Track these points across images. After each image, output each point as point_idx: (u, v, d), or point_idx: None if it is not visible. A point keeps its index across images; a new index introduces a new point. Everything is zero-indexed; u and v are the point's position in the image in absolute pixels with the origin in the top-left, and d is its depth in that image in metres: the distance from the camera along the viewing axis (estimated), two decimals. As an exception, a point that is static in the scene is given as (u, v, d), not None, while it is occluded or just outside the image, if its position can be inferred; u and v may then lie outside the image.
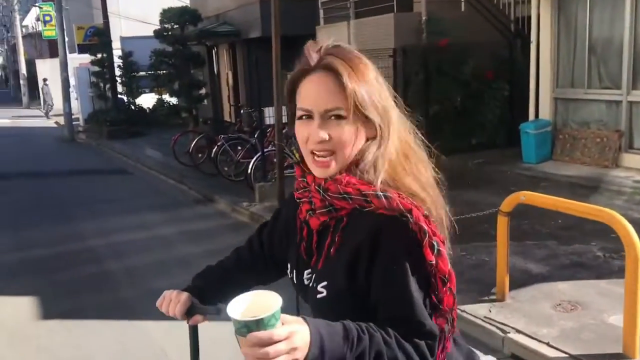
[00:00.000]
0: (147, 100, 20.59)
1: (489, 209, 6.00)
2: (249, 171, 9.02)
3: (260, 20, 13.48)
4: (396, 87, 9.67)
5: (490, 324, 4.08)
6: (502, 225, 4.26)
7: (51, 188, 11.07)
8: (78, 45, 21.91)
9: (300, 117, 1.33)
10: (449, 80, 9.95)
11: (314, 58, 1.30)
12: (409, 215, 1.23)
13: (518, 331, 3.94)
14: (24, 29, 39.20)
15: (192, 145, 11.27)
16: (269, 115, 9.85)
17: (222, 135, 10.76)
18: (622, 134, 8.38)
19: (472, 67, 10.01)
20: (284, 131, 7.82)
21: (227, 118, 17.52)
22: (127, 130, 17.72)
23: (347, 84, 1.26)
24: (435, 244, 1.24)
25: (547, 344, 3.74)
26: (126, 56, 20.19)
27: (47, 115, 27.56)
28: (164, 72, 16.56)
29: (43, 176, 12.36)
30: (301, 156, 1.38)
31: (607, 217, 3.59)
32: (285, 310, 1.10)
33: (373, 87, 1.30)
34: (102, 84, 20.02)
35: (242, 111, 13.61)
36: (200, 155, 11.39)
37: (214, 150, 10.43)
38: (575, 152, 8.88)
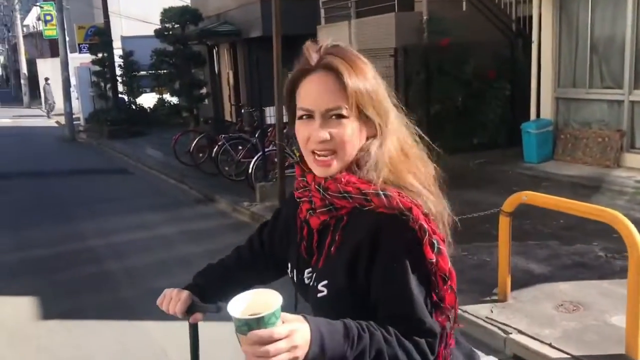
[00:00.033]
0: (147, 100, 20.60)
1: (490, 209, 5.98)
2: (250, 171, 9.01)
3: (261, 19, 13.48)
4: (397, 86, 9.67)
5: (492, 324, 4.06)
6: (504, 225, 4.24)
7: (52, 188, 11.06)
8: (79, 44, 21.91)
9: (301, 117, 1.33)
10: (450, 79, 9.94)
11: (313, 58, 1.31)
12: (409, 213, 1.24)
13: (520, 332, 3.92)
14: (24, 29, 39.24)
15: (193, 144, 11.26)
16: (270, 114, 9.85)
17: (223, 135, 10.75)
18: (624, 134, 8.36)
19: (474, 67, 10.00)
20: (284, 131, 7.80)
21: (228, 117, 17.52)
22: (128, 130, 17.71)
23: (348, 83, 1.27)
24: (435, 242, 1.24)
25: (550, 345, 3.72)
26: (127, 56, 20.20)
27: (48, 114, 27.59)
28: (165, 71, 16.57)
29: (44, 176, 12.35)
30: (301, 155, 1.38)
31: (609, 218, 3.58)
32: (284, 308, 1.10)
33: (373, 86, 1.31)
34: (102, 84, 20.02)
35: (243, 111, 13.62)
36: (201, 154, 11.38)
37: (214, 149, 10.43)
38: (577, 152, 8.86)
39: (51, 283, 5.83)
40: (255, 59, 9.47)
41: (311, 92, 1.30)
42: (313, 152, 1.33)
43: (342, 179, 1.29)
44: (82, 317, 4.94)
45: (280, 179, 7.79)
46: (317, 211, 1.35)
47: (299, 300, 1.47)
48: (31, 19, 41.95)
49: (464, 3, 11.02)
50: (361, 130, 1.32)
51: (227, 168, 10.26)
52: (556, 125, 9.27)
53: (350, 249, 1.30)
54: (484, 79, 10.19)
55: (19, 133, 21.33)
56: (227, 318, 1.13)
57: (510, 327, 3.99)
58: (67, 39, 19.86)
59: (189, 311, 1.52)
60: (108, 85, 19.65)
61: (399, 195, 1.26)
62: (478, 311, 4.22)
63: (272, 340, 1.07)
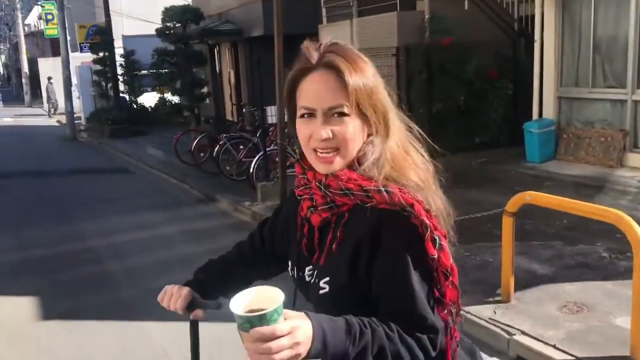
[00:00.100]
0: (149, 99, 20.60)
1: (492, 209, 5.95)
2: (251, 170, 8.99)
3: (263, 18, 13.46)
4: (399, 85, 9.66)
5: (495, 325, 4.03)
6: (508, 225, 4.21)
7: (53, 187, 11.05)
8: (80, 43, 21.90)
9: (302, 116, 1.33)
10: (452, 79, 9.92)
11: (314, 56, 1.31)
12: (410, 209, 1.24)
13: (524, 333, 3.89)
14: (26, 28, 39.32)
15: (194, 144, 11.25)
16: (271, 114, 9.83)
17: (224, 134, 10.74)
18: (627, 134, 8.33)
19: (476, 66, 9.98)
20: (286, 130, 7.77)
21: (229, 117, 17.50)
22: (129, 129, 17.71)
23: (349, 81, 1.27)
24: (437, 237, 1.24)
25: (554, 346, 3.69)
26: (128, 55, 20.20)
27: (50, 113, 27.62)
28: (166, 70, 16.53)
29: (45, 175, 12.35)
30: (301, 153, 1.40)
31: (613, 218, 3.55)
32: (284, 305, 1.10)
33: (373, 84, 1.32)
34: (104, 83, 20.02)
35: (244, 110, 13.61)
36: (202, 154, 11.36)
37: (216, 149, 10.42)
38: (580, 152, 8.83)
39: (51, 283, 5.81)
40: (257, 58, 9.45)
41: (312, 91, 1.31)
42: (315, 150, 1.33)
43: (344, 176, 1.30)
44: (83, 318, 4.91)
45: (281, 178, 7.77)
46: (319, 208, 1.35)
47: (298, 296, 1.47)
48: (32, 18, 42.01)
49: (466, 2, 10.99)
50: (362, 128, 1.32)
51: (228, 167, 10.24)
52: (558, 124, 9.23)
53: (351, 245, 1.30)
54: (486, 78, 10.16)
55: (20, 132, 21.34)
56: (228, 316, 1.12)
57: (514, 328, 3.96)
58: (69, 38, 19.87)
59: (190, 308, 1.52)
60: (109, 85, 19.66)
61: (401, 192, 1.26)
62: (481, 312, 4.19)
63: (274, 337, 1.07)
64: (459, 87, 10.01)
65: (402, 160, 1.34)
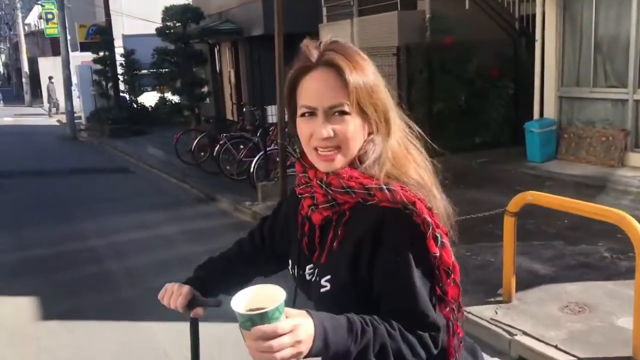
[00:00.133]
0: (149, 99, 20.60)
1: (493, 209, 5.92)
2: (252, 170, 8.97)
3: (263, 18, 13.45)
4: (400, 85, 9.64)
5: (497, 325, 4.01)
6: (509, 225, 4.20)
7: (53, 187, 11.03)
8: (80, 43, 21.90)
9: (303, 114, 1.33)
10: (453, 78, 9.91)
11: (314, 54, 1.31)
12: (412, 207, 1.24)
13: (525, 333, 3.87)
14: (26, 27, 39.31)
15: (195, 143, 11.23)
16: (272, 113, 9.82)
17: (225, 134, 10.73)
18: (628, 133, 8.31)
19: (477, 66, 9.97)
20: (286, 129, 7.76)
21: (229, 116, 17.50)
22: (129, 129, 17.69)
23: (349, 80, 1.27)
24: (438, 235, 1.24)
25: (555, 347, 3.67)
26: (128, 54, 20.18)
27: (51, 113, 27.62)
28: (166, 70, 16.53)
29: (45, 175, 12.33)
30: (302, 152, 1.39)
31: (615, 218, 3.53)
32: (286, 303, 1.10)
33: (373, 82, 1.32)
34: (104, 82, 20.00)
35: (244, 109, 13.59)
36: (202, 153, 11.35)
37: (216, 148, 10.41)
38: (581, 151, 8.81)
39: (51, 283, 5.79)
40: (257, 57, 9.43)
41: (313, 89, 1.30)
42: (316, 149, 1.32)
43: (345, 174, 1.30)
44: (83, 318, 4.90)
45: (282, 178, 7.76)
46: (320, 207, 1.35)
47: (298, 294, 1.47)
48: (33, 18, 42.02)
49: (467, 1, 10.96)
50: (363, 126, 1.32)
51: (228, 167, 10.23)
52: (559, 124, 9.22)
53: (352, 243, 1.30)
54: (486, 78, 10.15)
55: (20, 131, 21.33)
56: (228, 315, 1.12)
57: (515, 328, 3.94)
58: (69, 37, 19.85)
59: (190, 305, 1.51)
60: (109, 84, 19.63)
61: (402, 190, 1.26)
62: (482, 312, 4.18)
63: (275, 336, 1.07)
64: (459, 86, 9.99)
65: (403, 158, 1.33)
